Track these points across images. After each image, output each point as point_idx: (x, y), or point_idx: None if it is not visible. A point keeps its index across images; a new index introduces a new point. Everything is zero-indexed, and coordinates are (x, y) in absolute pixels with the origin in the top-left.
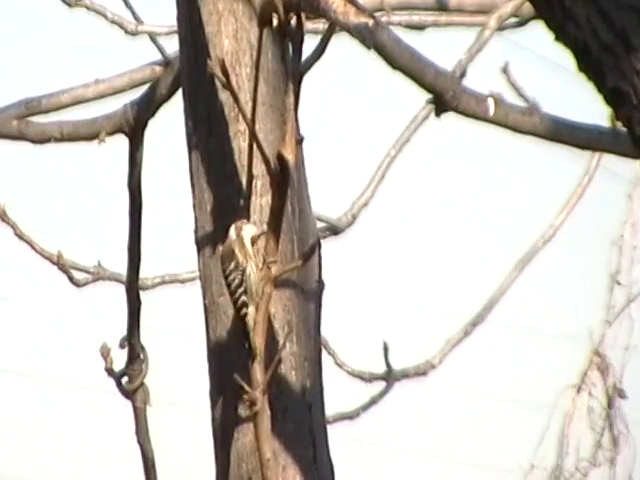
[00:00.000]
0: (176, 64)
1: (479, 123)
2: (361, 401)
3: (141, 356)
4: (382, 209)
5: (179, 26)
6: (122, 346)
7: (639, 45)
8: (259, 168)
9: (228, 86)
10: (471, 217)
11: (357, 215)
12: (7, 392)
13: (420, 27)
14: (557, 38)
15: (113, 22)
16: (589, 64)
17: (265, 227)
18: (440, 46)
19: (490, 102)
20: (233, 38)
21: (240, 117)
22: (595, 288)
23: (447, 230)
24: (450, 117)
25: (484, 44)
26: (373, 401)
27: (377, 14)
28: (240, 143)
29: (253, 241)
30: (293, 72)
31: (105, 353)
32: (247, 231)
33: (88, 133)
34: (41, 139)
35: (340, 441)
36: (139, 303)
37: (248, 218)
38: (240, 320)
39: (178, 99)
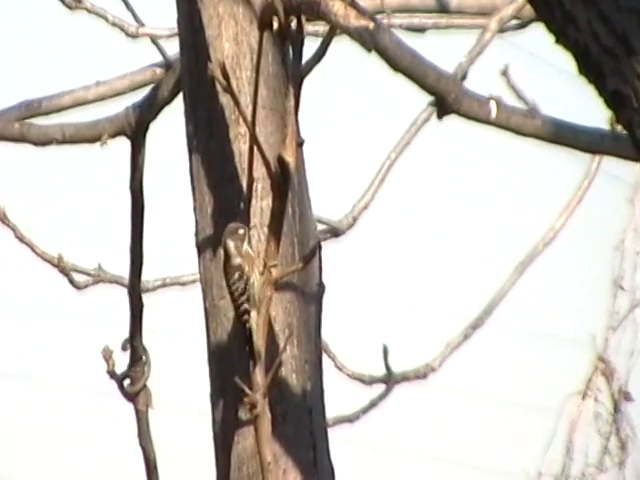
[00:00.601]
0: (177, 67)
1: (480, 126)
2: (361, 404)
3: (143, 358)
4: (383, 212)
5: (179, 29)
6: (124, 348)
7: None
8: (260, 171)
9: (228, 89)
10: (471, 220)
11: (358, 217)
12: (8, 395)
13: (420, 29)
14: (557, 41)
15: (114, 25)
16: (589, 67)
17: (258, 226)
18: (441, 48)
19: (492, 105)
20: (233, 41)
21: (240, 120)
22: (597, 292)
23: (447, 233)
24: (451, 120)
25: (485, 46)
26: (373, 404)
27: (377, 16)
28: (241, 146)
29: (243, 239)
30: (293, 75)
31: (107, 356)
32: (241, 237)
33: (90, 135)
34: (43, 141)
35: (340, 444)
36: (141, 305)
37: (248, 221)
38: (242, 326)
39: (179, 102)
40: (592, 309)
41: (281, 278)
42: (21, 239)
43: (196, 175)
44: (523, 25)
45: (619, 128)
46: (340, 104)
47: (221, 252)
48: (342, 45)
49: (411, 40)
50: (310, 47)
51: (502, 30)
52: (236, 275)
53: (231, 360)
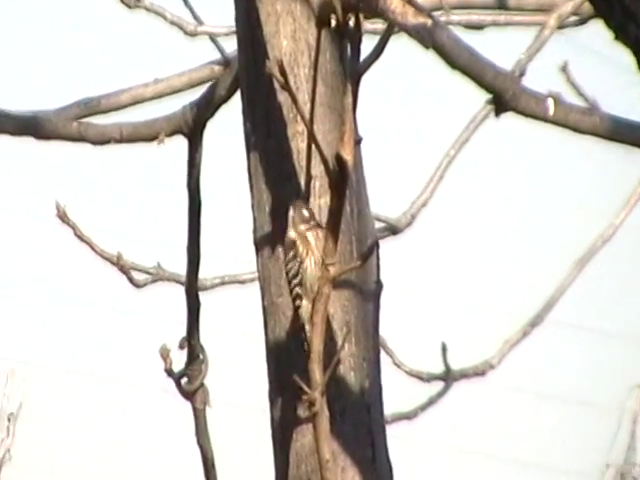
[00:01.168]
0: (235, 64)
1: (538, 123)
2: (419, 401)
3: (200, 357)
4: (441, 209)
5: (237, 27)
6: (182, 347)
7: None
8: (317, 169)
9: (286, 87)
10: (530, 216)
11: (416, 215)
12: (69, 392)
13: (479, 27)
14: (617, 37)
15: (172, 23)
16: None
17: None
18: (499, 45)
19: (550, 102)
20: (291, 39)
21: (298, 118)
22: None
23: (506, 230)
24: (509, 117)
25: (544, 43)
26: (431, 401)
27: (436, 14)
28: (298, 144)
29: (302, 218)
30: (351, 73)
31: (165, 354)
32: (302, 216)
33: (147, 134)
34: (101, 140)
35: (398, 441)
36: (198, 304)
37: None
38: (294, 311)
39: (237, 99)
40: None
41: (339, 276)
42: (81, 238)
43: (254, 173)
44: (582, 22)
45: None
46: (398, 101)
47: (279, 249)
48: (400, 42)
49: (469, 37)
50: (368, 44)
51: (561, 27)
52: (290, 253)
53: (289, 358)
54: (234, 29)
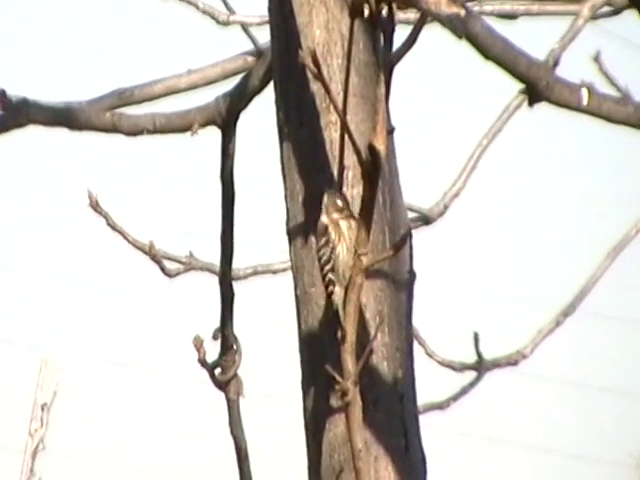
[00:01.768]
0: (268, 55)
1: (572, 113)
2: (452, 391)
3: (234, 347)
4: (474, 199)
5: (270, 16)
6: (215, 337)
7: None
8: (350, 159)
9: (319, 77)
10: (563, 206)
11: (449, 205)
12: (102, 382)
13: (512, 16)
14: None
15: (204, 12)
16: None
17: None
18: (532, 35)
19: (583, 92)
20: (324, 29)
21: (331, 108)
22: None
23: (538, 219)
24: (542, 106)
25: (577, 33)
26: (464, 391)
27: (469, 4)
28: (331, 134)
29: (335, 207)
30: (384, 62)
31: (198, 344)
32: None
33: (181, 125)
34: (134, 131)
35: (431, 431)
36: (232, 294)
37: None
38: (327, 298)
39: (268, 90)
40: None
41: (372, 266)
42: (113, 227)
43: (287, 163)
44: (616, 11)
45: None
46: (431, 91)
47: (312, 238)
48: (433, 32)
49: (502, 27)
50: (401, 34)
51: (595, 17)
52: (323, 240)
53: (322, 348)
54: (266, 19)
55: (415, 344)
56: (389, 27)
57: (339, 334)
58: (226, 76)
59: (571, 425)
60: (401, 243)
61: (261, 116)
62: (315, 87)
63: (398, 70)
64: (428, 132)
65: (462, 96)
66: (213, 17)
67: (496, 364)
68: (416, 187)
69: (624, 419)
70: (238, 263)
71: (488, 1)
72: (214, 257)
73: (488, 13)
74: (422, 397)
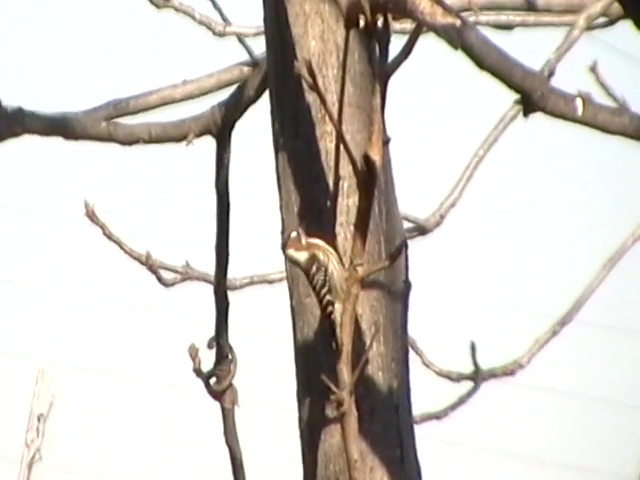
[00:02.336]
0: (264, 65)
1: (567, 123)
2: (449, 401)
3: (229, 357)
4: (470, 209)
5: (266, 27)
6: (210, 346)
7: None
8: (346, 169)
9: (315, 87)
10: (559, 216)
11: (445, 215)
12: (98, 392)
13: (508, 27)
14: None
15: (201, 23)
16: None
17: (345, 225)
18: (528, 46)
19: (578, 102)
20: (320, 39)
21: (327, 118)
22: None
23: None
24: (538, 117)
25: (573, 44)
26: (461, 401)
27: (464, 14)
28: (327, 144)
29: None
30: (380, 73)
31: (193, 353)
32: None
33: (176, 135)
34: (129, 141)
35: (427, 441)
36: (227, 303)
37: (334, 219)
38: (327, 318)
39: (264, 100)
40: None
41: (367, 276)
42: (110, 237)
43: (282, 173)
44: (611, 22)
45: None
46: (426, 102)
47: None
48: (428, 43)
49: (498, 37)
50: (396, 45)
51: (590, 27)
52: (314, 268)
53: (317, 358)
54: (262, 29)
55: (412, 354)
56: (385, 38)
57: (335, 344)
58: (221, 86)
59: (568, 436)
60: (397, 253)
61: (256, 126)
62: (311, 97)
63: (394, 80)
64: (424, 142)
65: (458, 106)
66: (209, 28)
67: (493, 374)
68: (412, 197)
69: (621, 430)
70: (234, 273)
71: (484, 12)
72: (210, 267)
73: (484, 24)
74: (419, 407)
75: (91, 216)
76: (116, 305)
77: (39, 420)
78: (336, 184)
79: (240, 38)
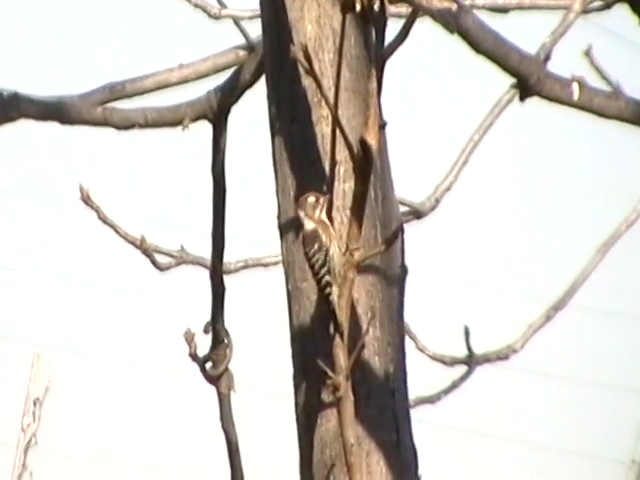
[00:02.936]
0: (260, 49)
1: (563, 107)
2: (442, 385)
3: (225, 341)
4: (465, 193)
5: (262, 11)
6: (206, 331)
7: None
8: (342, 153)
9: (311, 72)
10: (554, 201)
11: (440, 199)
12: (94, 376)
13: (504, 10)
14: None
15: (196, 6)
16: None
17: (341, 209)
18: (524, 29)
19: (574, 86)
20: (316, 24)
21: (323, 102)
22: None
23: (529, 214)
24: (534, 101)
25: (568, 27)
26: (454, 385)
27: None
28: (323, 128)
29: (314, 207)
30: (376, 57)
31: (189, 338)
32: (311, 204)
33: (172, 119)
34: (125, 125)
35: (422, 425)
36: (223, 288)
37: (331, 204)
38: (324, 299)
39: (260, 85)
40: None
41: (364, 261)
42: (104, 220)
43: (278, 158)
44: (607, 6)
45: None
46: (422, 86)
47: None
48: (424, 27)
49: (494, 21)
50: (393, 29)
51: (586, 11)
52: (315, 246)
53: (314, 342)
54: (258, 12)
55: (406, 338)
56: (381, 22)
57: (331, 329)
58: (217, 70)
59: (562, 420)
60: (393, 238)
61: (253, 110)
62: (307, 82)
63: (390, 65)
64: (420, 126)
65: (453, 90)
66: (205, 11)
67: (487, 359)
68: (408, 181)
69: (616, 414)
70: (229, 257)
71: None
72: (205, 251)
73: (480, 7)
74: (413, 391)
75: (86, 200)
76: (111, 289)
77: (35, 404)
78: (332, 168)
79: (236, 21)
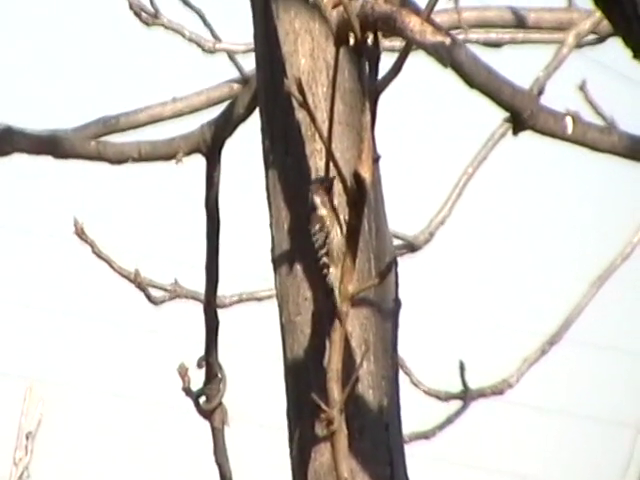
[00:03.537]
0: (254, 82)
1: (556, 141)
2: (437, 420)
3: (219, 375)
4: (459, 227)
5: (256, 45)
6: (200, 365)
7: None
8: (336, 187)
9: (305, 105)
10: (548, 234)
11: (434, 233)
12: (87, 410)
13: (497, 44)
14: (635, 55)
15: (191, 40)
16: None
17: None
18: (518, 63)
19: (568, 120)
20: (310, 57)
21: (317, 136)
22: None
23: (524, 247)
24: (527, 134)
25: (562, 61)
26: (449, 420)
27: (454, 32)
28: (317, 162)
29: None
30: (370, 90)
31: (183, 372)
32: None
33: (166, 153)
34: (119, 159)
35: (416, 460)
36: (217, 322)
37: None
38: (322, 280)
39: (254, 118)
40: None
41: (357, 294)
42: (99, 255)
43: (272, 191)
44: (601, 40)
45: None
46: (416, 119)
47: (297, 266)
48: (418, 60)
49: (487, 55)
50: (386, 62)
51: (580, 45)
52: (317, 226)
53: (307, 376)
54: (252, 46)
55: (401, 373)
56: (374, 55)
57: (325, 362)
58: (211, 104)
59: (557, 454)
60: (387, 271)
61: (246, 144)
62: (300, 115)
63: (383, 98)
64: (413, 160)
65: (447, 124)
66: (199, 45)
67: (482, 393)
68: (402, 214)
69: (609, 448)
70: (223, 290)
71: (473, 29)
72: (199, 285)
73: (473, 41)
74: (408, 426)
75: (80, 234)
76: (105, 323)
77: (27, 438)
78: None
79: (230, 55)
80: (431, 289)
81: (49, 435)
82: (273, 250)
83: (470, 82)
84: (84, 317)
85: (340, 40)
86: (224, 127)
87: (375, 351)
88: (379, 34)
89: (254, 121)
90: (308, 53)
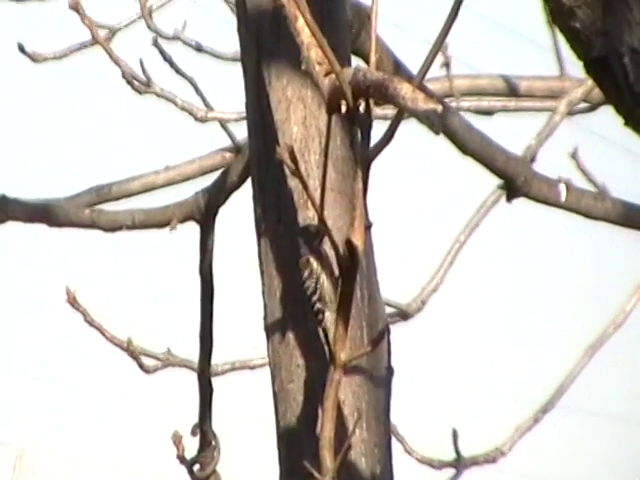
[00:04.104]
0: (246, 151)
1: (550, 208)
2: None
3: (213, 443)
4: (451, 295)
5: (247, 113)
6: (194, 433)
7: None
8: (328, 254)
9: (297, 173)
10: (541, 303)
11: (426, 300)
12: (75, 479)
13: (489, 112)
14: (627, 123)
15: (183, 109)
16: None
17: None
18: (509, 131)
19: (562, 187)
20: (302, 125)
21: (309, 203)
22: None
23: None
24: (520, 201)
25: (554, 129)
26: None
27: (446, 99)
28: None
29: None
30: (362, 158)
31: (177, 440)
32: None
33: (159, 220)
34: (113, 227)
35: None
36: (211, 390)
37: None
38: (318, 324)
39: (247, 186)
40: None
41: (350, 362)
42: (91, 323)
43: (265, 259)
44: (592, 107)
45: None
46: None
47: (290, 334)
48: (410, 128)
49: (480, 122)
50: (378, 130)
51: (571, 112)
52: (306, 273)
53: (300, 444)
54: (244, 115)
55: (394, 440)
56: (366, 123)
57: (317, 429)
58: (203, 172)
59: None
60: (379, 339)
61: (239, 211)
62: (293, 183)
63: (375, 166)
64: (406, 227)
65: (440, 191)
66: (191, 113)
67: (475, 461)
68: (394, 282)
69: None
70: (216, 359)
71: (465, 97)
72: (192, 353)
73: (465, 109)
74: None
75: (72, 302)
76: (97, 391)
77: None
78: None
79: (222, 123)
80: (423, 357)
81: None
82: (265, 318)
83: (464, 149)
84: (76, 386)
85: (332, 108)
86: (217, 195)
87: (367, 419)
88: (371, 102)
89: (248, 189)
90: (300, 121)
